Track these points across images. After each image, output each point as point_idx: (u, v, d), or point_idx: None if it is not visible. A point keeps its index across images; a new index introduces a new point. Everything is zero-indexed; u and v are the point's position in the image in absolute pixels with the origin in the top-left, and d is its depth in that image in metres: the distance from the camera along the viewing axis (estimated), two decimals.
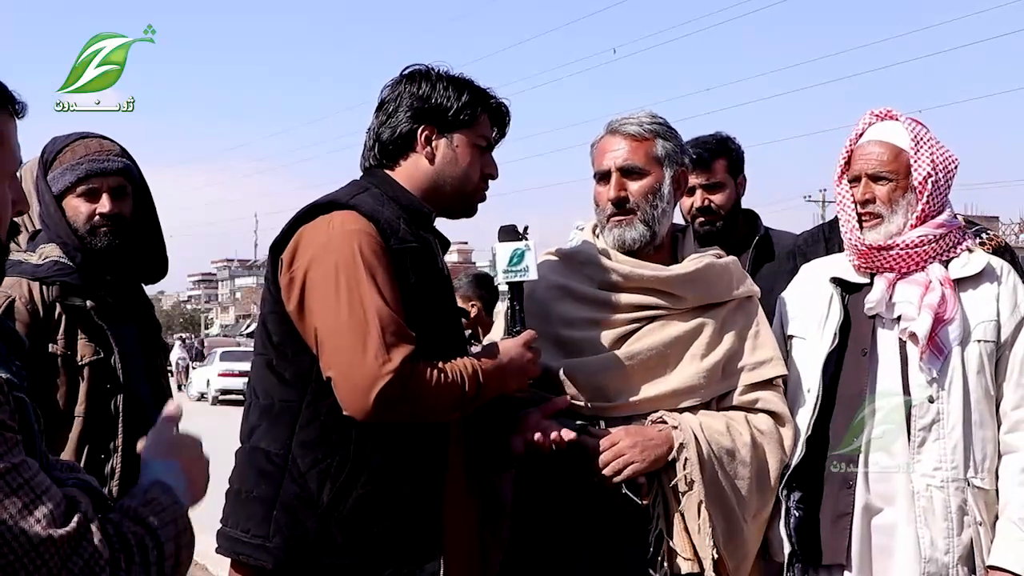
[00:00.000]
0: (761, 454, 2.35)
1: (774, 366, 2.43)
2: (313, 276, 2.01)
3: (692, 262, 2.43)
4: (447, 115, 2.18)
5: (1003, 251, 2.90)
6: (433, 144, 2.19)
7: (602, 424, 2.33)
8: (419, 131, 2.18)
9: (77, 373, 2.55)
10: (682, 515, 2.26)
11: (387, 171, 2.21)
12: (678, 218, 3.51)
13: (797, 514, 2.46)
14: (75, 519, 1.17)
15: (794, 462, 2.46)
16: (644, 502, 2.23)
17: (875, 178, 2.51)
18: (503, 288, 2.27)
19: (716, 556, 2.24)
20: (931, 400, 2.41)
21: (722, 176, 3.41)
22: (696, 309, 2.41)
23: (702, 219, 3.40)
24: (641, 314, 2.38)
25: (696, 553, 2.25)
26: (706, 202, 3.39)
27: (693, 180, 3.40)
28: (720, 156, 3.42)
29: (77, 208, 2.61)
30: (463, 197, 2.25)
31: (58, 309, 2.55)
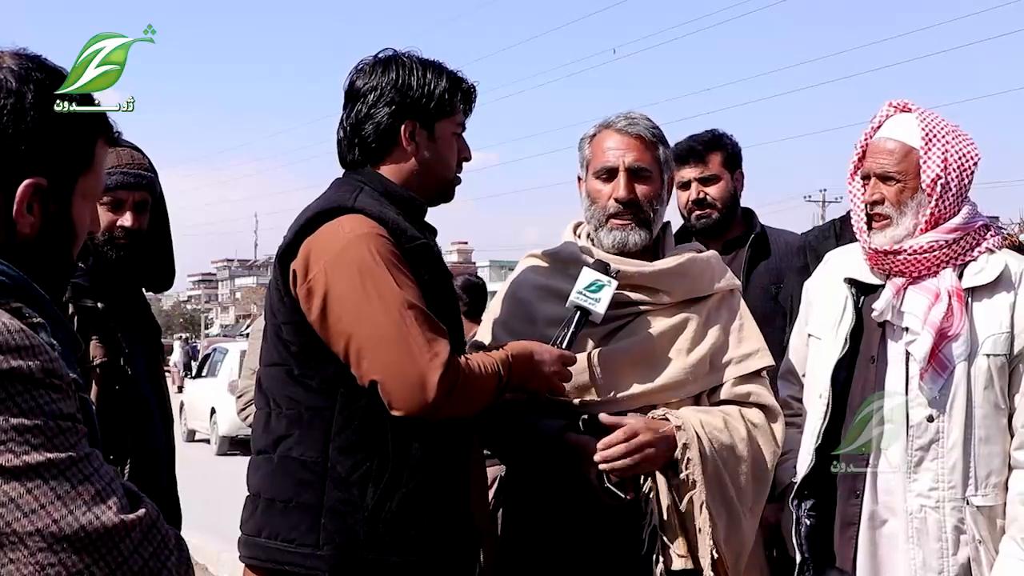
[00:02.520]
0: (756, 447, 2.35)
1: (760, 358, 2.43)
2: (336, 284, 1.99)
3: (674, 257, 2.44)
4: (428, 108, 2.16)
5: (1017, 250, 2.87)
6: (417, 139, 2.17)
7: (610, 418, 2.32)
8: (402, 127, 2.15)
9: (89, 374, 2.55)
10: (678, 512, 2.25)
11: (373, 168, 2.19)
12: (673, 214, 3.53)
13: (808, 522, 2.46)
14: (141, 506, 1.20)
15: (803, 471, 2.45)
16: (627, 497, 2.22)
17: (884, 178, 2.42)
18: (570, 309, 2.28)
19: (715, 555, 2.23)
20: (930, 419, 2.35)
21: (717, 169, 3.42)
22: (680, 304, 2.41)
23: (697, 212, 3.41)
24: (626, 310, 2.38)
25: (690, 550, 2.24)
26: (701, 195, 3.40)
27: (688, 173, 3.41)
28: (714, 150, 3.43)
29: (99, 216, 2.61)
30: (444, 184, 2.26)
31: (71, 310, 2.56)
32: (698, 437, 2.26)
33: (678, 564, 2.24)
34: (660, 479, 2.27)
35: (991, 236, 2.46)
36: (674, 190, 3.42)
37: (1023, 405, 2.35)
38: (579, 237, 2.52)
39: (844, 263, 2.60)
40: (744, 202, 3.56)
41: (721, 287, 2.47)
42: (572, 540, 2.31)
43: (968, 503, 2.34)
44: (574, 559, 2.31)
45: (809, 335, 2.60)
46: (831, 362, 2.47)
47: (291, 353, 2.09)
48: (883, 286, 2.48)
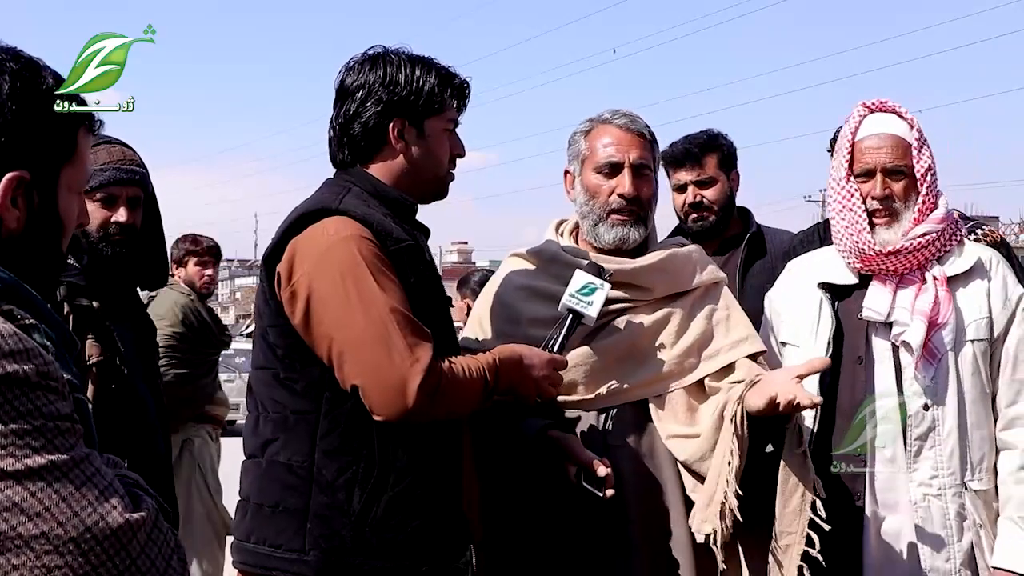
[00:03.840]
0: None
1: (751, 343, 2.44)
2: (319, 288, 1.97)
3: (655, 253, 2.45)
4: (417, 105, 2.14)
5: (998, 247, 2.90)
6: (405, 137, 2.15)
7: (599, 417, 2.33)
8: (390, 125, 2.13)
9: (85, 373, 2.55)
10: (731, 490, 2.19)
11: (362, 167, 2.17)
12: (670, 215, 3.54)
13: None
14: (144, 506, 1.19)
15: None
16: (604, 495, 2.17)
17: (892, 172, 2.46)
18: (561, 312, 2.27)
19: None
20: (926, 408, 2.39)
21: (713, 171, 3.42)
22: (663, 299, 2.43)
23: (695, 215, 3.42)
24: (609, 307, 2.37)
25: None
26: (698, 198, 3.40)
27: (684, 176, 3.42)
28: (710, 152, 3.43)
29: (92, 213, 2.62)
30: (436, 182, 2.23)
31: (66, 309, 2.56)
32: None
33: (706, 528, 2.22)
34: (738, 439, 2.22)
35: (962, 230, 2.55)
36: (670, 192, 3.46)
37: (1003, 387, 2.43)
38: (561, 235, 2.53)
39: (811, 269, 2.63)
40: (743, 202, 3.57)
41: (704, 280, 2.48)
42: (563, 539, 2.31)
43: (967, 488, 2.39)
44: (565, 559, 2.30)
45: (783, 343, 2.60)
46: None
47: (277, 356, 2.08)
48: (858, 286, 2.51)
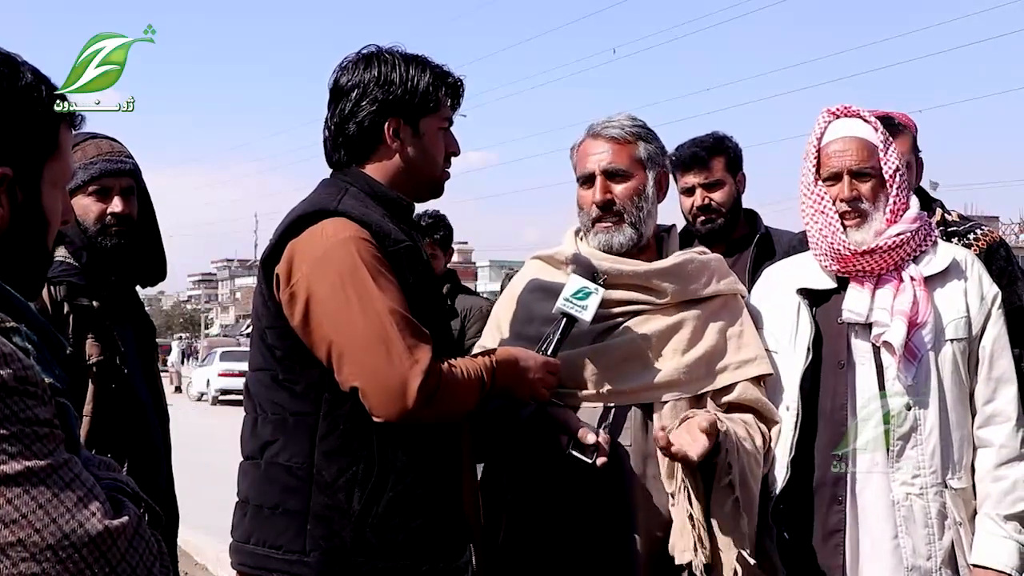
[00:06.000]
0: (764, 457, 2.36)
1: (758, 365, 2.43)
2: (318, 290, 1.97)
3: (670, 258, 2.45)
4: (412, 104, 2.13)
5: (997, 247, 2.89)
6: (401, 136, 2.14)
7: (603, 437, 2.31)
8: (385, 125, 2.12)
9: (85, 373, 2.56)
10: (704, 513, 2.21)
11: (358, 167, 2.17)
12: (678, 218, 3.54)
13: (787, 536, 2.44)
14: (125, 512, 1.17)
15: (780, 485, 2.44)
16: (594, 462, 2.16)
17: (859, 174, 2.47)
18: (556, 314, 2.27)
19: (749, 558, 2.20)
20: (908, 408, 2.40)
21: (720, 174, 3.42)
22: (678, 305, 2.41)
23: (703, 218, 3.42)
24: (622, 309, 2.38)
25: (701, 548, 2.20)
26: (706, 200, 3.41)
27: (692, 179, 3.42)
28: (717, 154, 3.43)
29: (88, 207, 2.63)
30: (433, 181, 2.23)
31: (66, 309, 2.56)
32: (737, 448, 2.24)
33: (685, 558, 2.20)
34: (691, 480, 2.21)
35: (934, 230, 2.57)
36: (677, 195, 3.46)
37: (980, 385, 2.44)
38: (581, 240, 2.53)
39: (788, 275, 2.64)
40: (745, 201, 3.57)
41: (722, 290, 2.47)
42: (563, 537, 2.30)
43: (947, 487, 2.40)
44: (567, 557, 2.30)
45: (765, 350, 2.57)
46: (795, 373, 2.48)
47: (275, 358, 2.07)
48: (836, 290, 2.52)
